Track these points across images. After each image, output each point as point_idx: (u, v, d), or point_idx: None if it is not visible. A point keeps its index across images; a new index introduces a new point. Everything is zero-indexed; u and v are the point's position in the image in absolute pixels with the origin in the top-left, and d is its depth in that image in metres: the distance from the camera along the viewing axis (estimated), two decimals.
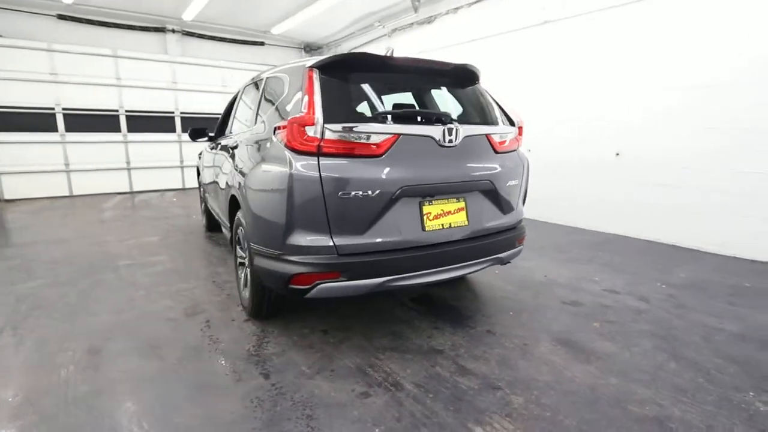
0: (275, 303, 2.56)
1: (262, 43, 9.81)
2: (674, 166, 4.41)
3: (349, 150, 1.99)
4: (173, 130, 9.03)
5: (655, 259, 4.06)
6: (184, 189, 9.34)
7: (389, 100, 2.39)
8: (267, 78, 2.78)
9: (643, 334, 2.56)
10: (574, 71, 5.30)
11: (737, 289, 3.28)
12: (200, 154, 4.89)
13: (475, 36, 6.63)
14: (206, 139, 4.37)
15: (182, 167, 9.27)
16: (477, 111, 2.47)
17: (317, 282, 2.03)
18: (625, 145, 4.85)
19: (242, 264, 2.84)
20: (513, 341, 2.45)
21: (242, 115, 3.30)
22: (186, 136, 9.11)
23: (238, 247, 2.85)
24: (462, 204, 2.32)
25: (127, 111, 8.40)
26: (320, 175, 1.95)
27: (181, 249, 4.37)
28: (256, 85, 3.09)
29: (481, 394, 1.96)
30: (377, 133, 2.04)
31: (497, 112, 2.58)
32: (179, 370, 2.13)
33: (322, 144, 1.97)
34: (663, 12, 4.44)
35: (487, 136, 2.39)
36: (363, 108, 2.24)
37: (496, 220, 2.48)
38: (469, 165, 2.31)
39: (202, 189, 4.92)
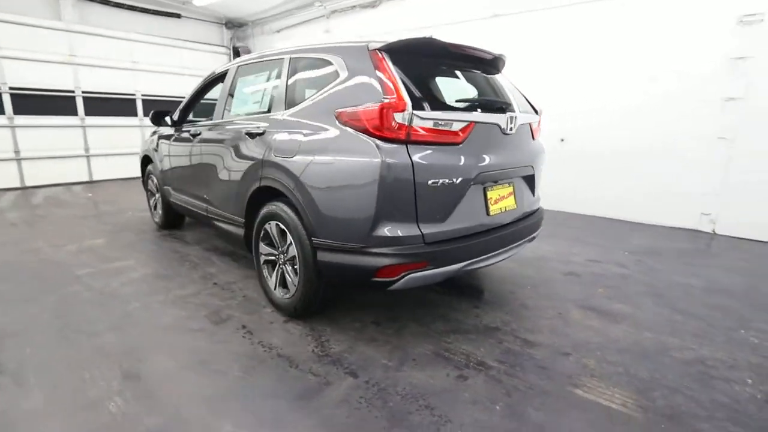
0: (323, 299, 2.43)
1: (178, 16, 8.67)
2: (610, 155, 5.16)
3: (436, 137, 1.97)
4: (75, 113, 7.60)
5: (608, 232, 4.74)
6: (91, 182, 7.96)
7: (444, 87, 2.39)
8: (294, 59, 2.54)
9: (640, 294, 3.02)
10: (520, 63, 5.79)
11: (682, 252, 4.02)
12: (154, 141, 4.24)
13: (421, 24, 6.77)
14: (170, 124, 3.83)
15: (88, 156, 7.87)
16: (515, 100, 2.60)
17: (405, 273, 2.00)
18: (569, 134, 5.50)
19: (269, 263, 2.63)
20: (548, 312, 2.70)
21: (247, 99, 2.98)
22: (91, 120, 7.75)
23: (263, 244, 2.61)
24: (511, 189, 2.45)
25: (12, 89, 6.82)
26: (412, 163, 1.91)
27: (144, 251, 3.80)
28: (268, 66, 2.81)
29: (557, 361, 2.15)
30: (458, 120, 2.05)
31: (526, 101, 2.75)
32: (255, 383, 1.92)
33: (410, 131, 1.92)
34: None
35: (529, 123, 2.55)
36: (429, 94, 2.20)
37: (531, 202, 2.68)
38: (518, 151, 2.45)
39: (156, 181, 4.29)
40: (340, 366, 2.06)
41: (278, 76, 2.65)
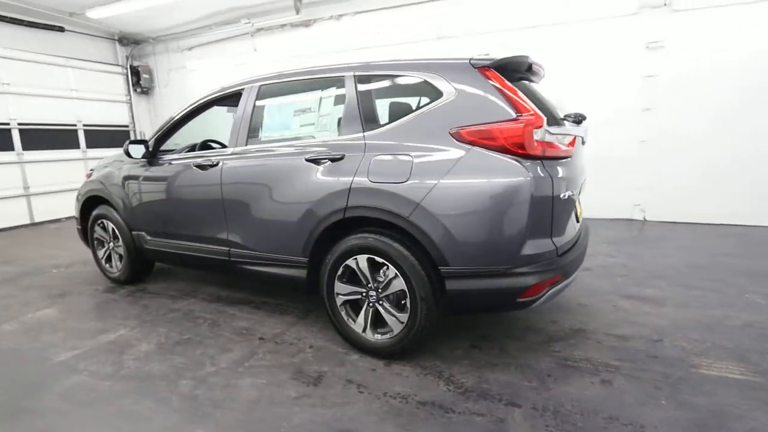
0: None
1: (61, 29, 7.17)
2: None
3: (559, 152, 2.01)
4: None
5: None
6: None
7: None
8: (361, 77, 2.31)
9: (650, 277, 3.47)
10: None
11: (642, 238, 4.75)
12: (114, 177, 3.41)
13: (358, 45, 6.82)
14: (144, 156, 3.15)
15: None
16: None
17: (548, 288, 1.98)
18: None
19: (350, 303, 2.34)
20: (605, 306, 2.93)
21: (288, 123, 2.61)
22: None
23: (341, 283, 2.31)
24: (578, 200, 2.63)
25: None
26: (551, 178, 1.92)
27: (125, 315, 3.00)
28: (314, 84, 2.53)
29: (658, 348, 2.34)
30: (569, 134, 2.12)
31: None
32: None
33: (545, 147, 1.93)
34: None
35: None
36: (541, 109, 2.21)
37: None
38: (581, 163, 2.63)
39: (119, 227, 3.45)
40: (492, 399, 1.93)
41: (341, 96, 2.40)
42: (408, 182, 2.03)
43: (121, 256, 3.60)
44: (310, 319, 2.86)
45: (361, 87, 2.33)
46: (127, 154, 3.14)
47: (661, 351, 2.31)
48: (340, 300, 2.37)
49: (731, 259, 3.82)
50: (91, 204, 3.72)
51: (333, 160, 2.27)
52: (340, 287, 2.35)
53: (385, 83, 2.32)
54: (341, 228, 2.30)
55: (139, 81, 8.38)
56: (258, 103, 2.72)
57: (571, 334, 2.54)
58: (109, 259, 3.73)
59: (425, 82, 2.15)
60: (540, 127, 1.90)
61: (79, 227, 3.86)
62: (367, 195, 2.14)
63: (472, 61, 2.08)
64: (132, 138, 8.61)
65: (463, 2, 6.09)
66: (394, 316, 2.21)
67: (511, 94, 1.96)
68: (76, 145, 7.56)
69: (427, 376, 2.15)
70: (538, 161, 1.91)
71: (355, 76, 2.37)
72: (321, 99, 2.50)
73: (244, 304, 3.17)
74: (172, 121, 3.18)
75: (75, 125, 7.53)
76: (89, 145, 7.74)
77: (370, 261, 2.21)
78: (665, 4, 5.07)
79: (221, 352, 2.45)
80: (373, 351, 2.31)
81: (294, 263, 2.49)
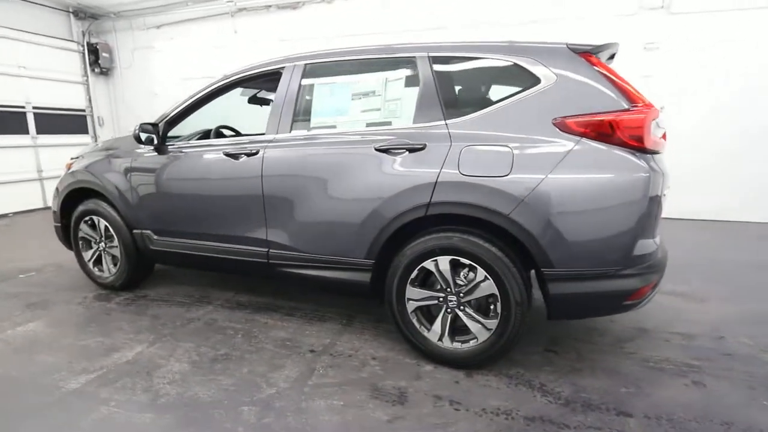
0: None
1: None
2: None
3: (661, 145, 1.90)
4: None
5: None
6: None
7: None
8: (438, 57, 2.07)
9: (674, 272, 3.53)
10: None
11: None
12: (114, 166, 2.91)
13: (349, 32, 6.49)
14: (154, 143, 2.71)
15: None
16: None
17: (652, 290, 1.88)
18: None
19: (422, 309, 2.13)
20: (650, 304, 2.91)
21: (344, 107, 2.30)
22: None
23: (413, 287, 2.08)
24: None
25: None
26: (662, 174, 1.80)
27: (133, 328, 2.55)
28: (377, 65, 2.26)
29: (725, 345, 2.33)
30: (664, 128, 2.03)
31: None
32: None
33: (656, 140, 1.81)
34: None
35: None
36: None
37: None
38: None
39: (116, 224, 2.96)
40: (599, 410, 1.80)
41: (413, 79, 2.15)
42: (509, 176, 1.83)
43: (115, 258, 3.11)
44: (356, 326, 2.60)
45: (438, 69, 2.09)
46: (138, 139, 2.67)
47: (731, 348, 2.31)
48: (411, 306, 2.13)
49: (737, 254, 4.01)
50: (74, 198, 3.18)
51: (412, 150, 2.02)
52: (412, 292, 2.12)
53: (466, 66, 2.10)
54: (414, 227, 2.07)
55: (97, 60, 7.48)
56: (304, 84, 2.39)
57: (635, 334, 2.48)
58: (98, 262, 3.21)
59: (516, 65, 1.96)
60: (656, 118, 1.78)
61: (58, 224, 3.29)
62: (457, 190, 1.91)
63: (570, 46, 1.92)
64: (92, 122, 7.75)
65: None
66: (479, 322, 2.01)
67: (621, 83, 1.82)
68: (25, 130, 6.60)
69: (517, 386, 1.98)
70: (650, 155, 1.79)
71: (429, 57, 2.12)
72: (387, 81, 2.23)
73: (272, 310, 2.83)
74: (186, 103, 2.76)
75: (23, 107, 6.57)
76: (40, 131, 6.79)
77: (453, 263, 2.01)
78: (662, 6, 5.24)
79: (273, 369, 2.13)
80: (450, 361, 2.10)
81: (355, 266, 2.22)
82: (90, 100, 7.62)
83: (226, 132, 3.19)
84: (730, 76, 5.14)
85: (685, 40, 5.24)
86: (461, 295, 2.04)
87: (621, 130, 1.75)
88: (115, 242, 3.05)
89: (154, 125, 2.70)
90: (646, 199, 1.75)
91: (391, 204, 2.05)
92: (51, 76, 6.97)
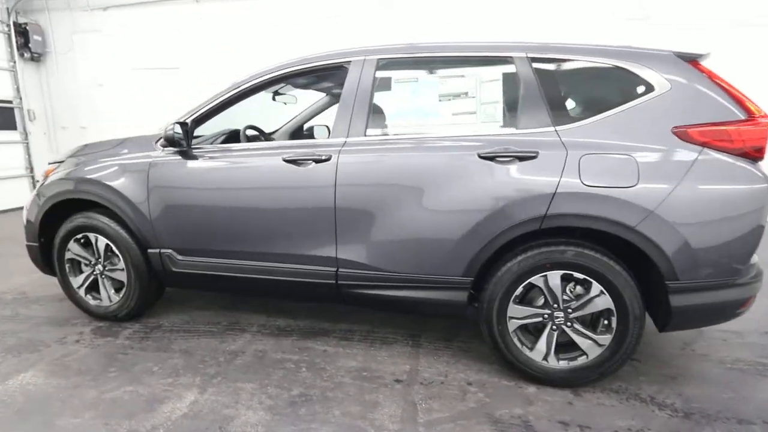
0: None
1: None
2: None
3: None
4: None
5: None
6: None
7: None
8: (538, 59, 1.94)
9: None
10: None
11: None
12: (131, 172, 2.39)
13: (336, 13, 6.12)
14: (182, 145, 2.27)
15: None
16: None
17: (754, 298, 1.91)
18: None
19: (525, 328, 2.00)
20: None
21: (430, 109, 2.07)
22: None
23: (516, 305, 1.94)
24: None
25: None
26: None
27: (185, 370, 2.12)
28: (466, 63, 2.07)
29: None
30: None
31: None
32: None
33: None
34: None
35: None
36: None
37: None
38: None
39: (125, 243, 2.45)
40: (721, 419, 1.79)
41: (512, 81, 1.99)
42: (637, 187, 1.75)
43: (119, 283, 2.59)
44: (427, 346, 2.39)
45: (540, 72, 1.96)
46: (173, 142, 2.21)
47: None
48: (513, 325, 1.99)
49: None
50: (57, 211, 2.59)
51: (522, 158, 1.87)
52: (515, 310, 1.97)
53: (570, 68, 1.99)
54: (518, 241, 1.92)
55: (27, 44, 6.36)
56: (378, 81, 2.13)
57: (693, 334, 2.56)
58: (93, 288, 2.65)
59: (625, 70, 1.89)
60: None
61: (35, 244, 2.66)
62: (579, 201, 1.80)
63: (677, 53, 1.89)
64: (21, 116, 6.59)
65: None
66: (590, 338, 1.92)
67: (734, 91, 1.82)
68: None
69: (629, 401, 1.92)
70: (760, 165, 1.82)
71: (528, 57, 1.99)
72: (480, 82, 2.05)
73: (323, 335, 2.52)
74: (219, 100, 2.35)
75: None
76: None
77: (565, 278, 1.90)
78: (642, 18, 5.59)
79: (368, 408, 1.86)
80: (556, 381, 1.99)
81: (450, 284, 2.02)
82: (18, 90, 6.46)
83: (250, 133, 2.79)
84: None
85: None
86: (569, 310, 1.93)
87: (743, 141, 1.75)
88: (120, 264, 2.53)
89: (184, 124, 2.26)
90: (766, 208, 1.77)
91: (499, 217, 1.89)
92: None
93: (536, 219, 1.85)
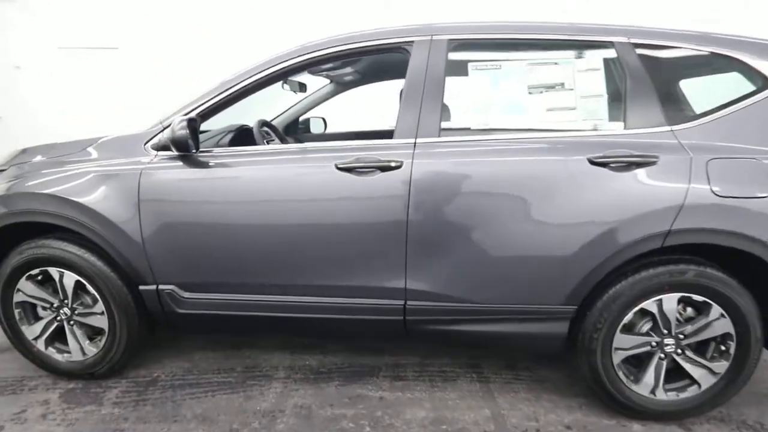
0: None
1: None
2: None
3: None
4: None
5: None
6: None
7: None
8: (642, 45, 1.64)
9: None
10: None
11: None
12: (131, 186, 1.75)
13: None
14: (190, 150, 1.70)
15: None
16: None
17: None
18: None
19: (632, 359, 1.73)
20: None
21: (516, 104, 1.68)
22: None
23: (623, 334, 1.66)
24: None
25: None
26: None
27: None
28: (554, 47, 1.73)
29: None
30: None
31: None
32: None
33: None
34: None
35: None
36: None
37: None
38: None
39: (110, 279, 1.82)
40: None
41: (616, 70, 1.67)
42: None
43: (97, 330, 1.96)
44: (496, 381, 2.05)
45: (647, 60, 1.67)
46: (180, 144, 1.63)
47: None
48: (619, 357, 1.71)
49: None
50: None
51: (640, 164, 1.57)
52: (622, 340, 1.69)
53: (680, 57, 1.71)
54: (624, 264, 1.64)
55: None
56: (451, 66, 1.71)
57: None
58: (57, 339, 1.99)
59: (742, 63, 1.66)
60: None
61: None
62: (711, 214, 1.53)
63: None
64: None
65: None
66: (704, 366, 1.70)
67: None
68: None
69: (740, 429, 1.74)
70: None
71: (632, 43, 1.68)
72: (577, 72, 1.70)
73: (370, 375, 2.09)
74: (235, 87, 1.79)
75: None
76: None
77: (682, 301, 1.65)
78: None
79: None
80: (662, 415, 1.76)
81: (549, 315, 1.69)
82: None
83: (262, 130, 2.24)
84: None
85: None
86: (681, 336, 1.69)
87: None
88: (98, 307, 1.90)
89: (192, 121, 1.69)
90: None
91: (614, 234, 1.58)
92: None
93: (658, 236, 1.57)
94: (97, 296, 1.89)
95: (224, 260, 1.81)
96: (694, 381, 1.72)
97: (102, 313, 1.91)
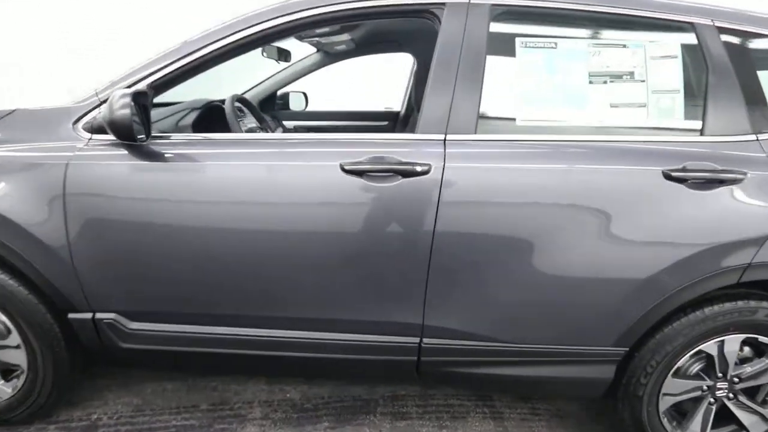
0: None
1: None
2: None
3: None
4: None
5: None
6: None
7: None
8: (726, 30, 1.32)
9: None
10: None
11: None
12: (53, 183, 1.24)
13: None
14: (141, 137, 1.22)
15: None
16: None
17: None
18: None
19: (682, 405, 1.50)
20: None
21: (594, 93, 1.32)
22: None
23: (675, 378, 1.41)
24: None
25: None
26: None
27: None
28: (649, 32, 1.37)
29: None
30: None
31: None
32: None
33: None
34: None
35: None
36: None
37: None
38: None
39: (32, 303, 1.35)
40: None
41: (694, 60, 1.33)
42: None
43: (10, 366, 1.49)
44: (512, 415, 1.76)
45: (735, 50, 1.35)
46: (122, 129, 1.14)
47: None
48: (666, 403, 1.46)
49: None
50: None
51: (725, 180, 1.26)
52: (672, 384, 1.44)
53: (762, 46, 1.40)
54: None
55: None
56: (493, 40, 1.31)
57: None
58: None
59: None
60: None
61: None
62: None
63: None
64: None
65: None
66: (757, 413, 1.49)
67: None
68: None
69: None
70: None
71: (717, 27, 1.35)
72: (649, 59, 1.35)
73: (362, 410, 1.74)
74: (202, 52, 1.32)
75: None
76: None
77: (746, 343, 1.40)
78: None
79: None
80: None
81: (595, 357, 1.39)
82: None
83: (240, 109, 1.76)
84: None
85: None
86: (736, 380, 1.47)
87: None
88: (12, 338, 1.43)
89: (141, 95, 1.21)
90: None
91: (685, 267, 1.28)
92: None
93: (735, 270, 1.29)
94: (11, 326, 1.43)
95: (186, 284, 1.37)
96: (742, 427, 1.52)
97: (17, 347, 1.45)
